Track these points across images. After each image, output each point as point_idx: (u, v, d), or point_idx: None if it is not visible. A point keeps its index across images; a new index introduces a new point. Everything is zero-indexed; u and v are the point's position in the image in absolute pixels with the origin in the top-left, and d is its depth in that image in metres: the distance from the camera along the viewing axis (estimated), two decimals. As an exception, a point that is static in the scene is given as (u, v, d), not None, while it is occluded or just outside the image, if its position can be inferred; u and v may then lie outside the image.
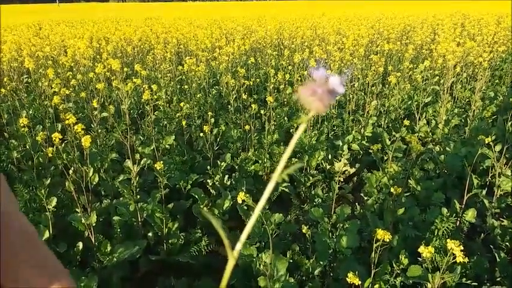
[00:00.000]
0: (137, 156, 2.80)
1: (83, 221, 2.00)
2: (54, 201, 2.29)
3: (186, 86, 4.38)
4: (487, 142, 2.51)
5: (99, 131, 3.31)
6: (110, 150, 3.21)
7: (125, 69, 4.16)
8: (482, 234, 2.38)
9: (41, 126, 3.66)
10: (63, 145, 1.86)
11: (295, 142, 0.27)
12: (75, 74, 4.41)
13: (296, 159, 3.20)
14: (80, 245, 2.13)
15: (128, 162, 2.46)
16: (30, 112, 3.97)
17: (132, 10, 31.58)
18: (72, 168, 2.01)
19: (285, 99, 4.43)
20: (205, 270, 2.22)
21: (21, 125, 2.39)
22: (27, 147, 3.12)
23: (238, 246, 0.31)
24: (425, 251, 1.59)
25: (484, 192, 2.52)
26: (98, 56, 5.86)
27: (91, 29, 9.38)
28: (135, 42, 6.84)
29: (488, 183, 2.67)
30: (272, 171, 3.06)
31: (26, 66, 3.46)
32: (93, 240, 2.08)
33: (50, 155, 1.87)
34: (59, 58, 4.62)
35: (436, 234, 2.22)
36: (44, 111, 3.91)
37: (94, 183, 2.54)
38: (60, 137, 1.91)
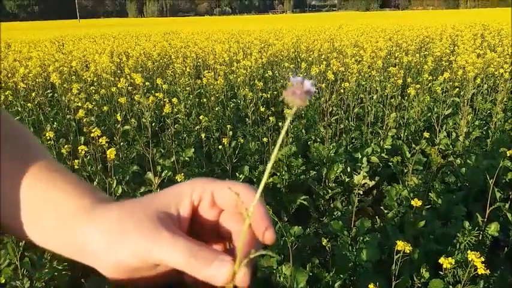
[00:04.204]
0: (158, 168, 2.84)
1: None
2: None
3: (204, 100, 4.44)
4: (509, 155, 2.47)
5: (121, 143, 3.38)
6: (131, 163, 3.27)
7: (146, 83, 4.25)
8: (506, 248, 2.34)
9: (65, 140, 3.75)
10: (88, 157, 1.91)
11: (285, 131, 0.34)
12: (97, 89, 4.52)
13: (315, 172, 3.21)
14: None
15: (150, 174, 2.51)
16: (54, 126, 4.08)
17: (151, 25, 32.23)
18: (96, 180, 2.06)
19: (303, 112, 4.45)
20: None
21: (47, 138, 2.47)
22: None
23: (255, 201, 0.36)
24: (446, 262, 1.57)
25: (507, 205, 2.48)
26: (118, 71, 5.99)
27: (112, 44, 9.61)
28: (154, 57, 6.98)
29: (511, 196, 2.63)
30: (290, 184, 3.07)
31: (52, 81, 3.57)
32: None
33: (76, 166, 1.92)
34: (81, 73, 4.75)
35: (458, 247, 2.19)
36: (67, 124, 4.01)
37: (118, 194, 2.58)
38: (86, 149, 1.96)
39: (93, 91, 4.39)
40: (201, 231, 0.40)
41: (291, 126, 3.74)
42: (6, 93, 3.58)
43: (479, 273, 1.44)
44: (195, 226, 0.39)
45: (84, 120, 2.70)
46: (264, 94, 4.31)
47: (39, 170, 0.40)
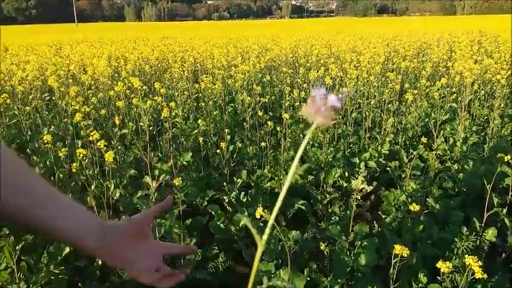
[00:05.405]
0: (156, 172, 2.83)
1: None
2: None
3: (202, 104, 4.45)
4: (506, 160, 2.48)
5: (119, 147, 3.37)
6: (129, 167, 3.26)
7: (144, 87, 4.24)
8: (503, 253, 2.34)
9: (62, 143, 3.74)
10: (86, 160, 1.91)
11: (303, 148, 0.30)
12: (94, 92, 4.51)
13: (312, 177, 3.20)
14: (100, 260, 2.15)
15: (147, 178, 2.50)
16: (51, 129, 4.06)
17: (149, 29, 32.27)
18: (94, 183, 2.05)
19: (301, 117, 4.45)
20: (222, 287, 2.22)
21: (45, 141, 2.46)
22: (48, 163, 3.19)
23: (267, 230, 0.33)
24: (443, 267, 1.57)
25: (504, 210, 2.48)
26: (116, 75, 5.98)
27: (109, 48, 9.59)
28: (152, 61, 6.97)
29: (508, 201, 2.63)
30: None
31: (50, 85, 3.57)
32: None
33: (74, 170, 1.92)
34: (79, 76, 4.74)
35: (455, 252, 2.19)
36: (64, 128, 4.00)
37: (115, 198, 2.58)
38: (84, 152, 1.96)
39: (91, 95, 4.39)
40: None
41: (289, 130, 3.74)
42: (4, 96, 3.58)
43: (477, 277, 1.43)
44: None
45: (82, 123, 2.69)
46: (262, 99, 4.31)
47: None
